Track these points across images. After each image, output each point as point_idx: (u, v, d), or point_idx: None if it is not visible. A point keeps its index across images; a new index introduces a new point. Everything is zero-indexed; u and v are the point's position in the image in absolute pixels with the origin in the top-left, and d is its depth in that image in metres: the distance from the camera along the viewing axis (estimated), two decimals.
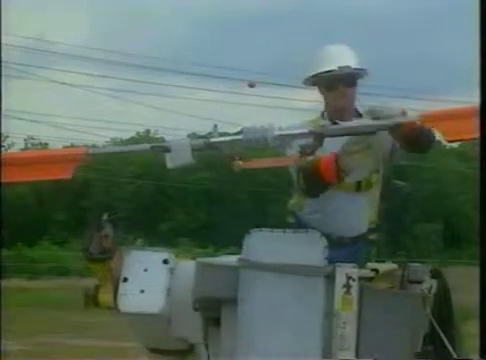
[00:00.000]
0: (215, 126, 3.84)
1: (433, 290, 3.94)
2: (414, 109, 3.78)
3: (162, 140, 4.55)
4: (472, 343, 3.96)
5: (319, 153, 3.69)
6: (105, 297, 4.26)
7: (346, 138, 3.70)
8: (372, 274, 3.84)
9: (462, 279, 6.05)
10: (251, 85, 5.68)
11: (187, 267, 4.06)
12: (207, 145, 3.73)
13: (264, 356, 3.67)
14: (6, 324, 9.42)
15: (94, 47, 73.30)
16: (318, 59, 3.93)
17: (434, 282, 4.00)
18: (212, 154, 3.84)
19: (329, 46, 3.98)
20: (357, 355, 3.63)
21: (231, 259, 3.91)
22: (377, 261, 4.05)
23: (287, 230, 3.80)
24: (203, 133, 3.91)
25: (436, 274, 4.05)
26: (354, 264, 3.67)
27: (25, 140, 41.75)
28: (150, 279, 4.14)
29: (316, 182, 3.71)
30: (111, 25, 65.34)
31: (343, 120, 3.75)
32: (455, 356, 3.79)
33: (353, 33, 44.88)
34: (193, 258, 4.21)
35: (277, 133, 3.69)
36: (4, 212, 14.77)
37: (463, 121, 3.49)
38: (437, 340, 3.86)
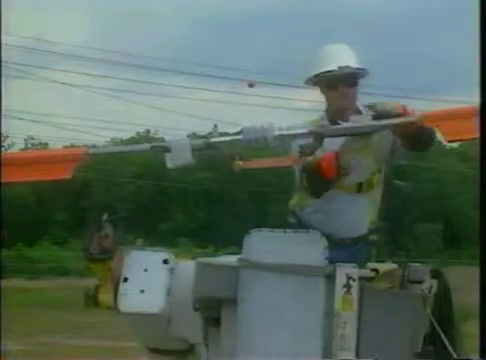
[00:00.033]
0: (215, 126, 3.84)
1: (433, 290, 3.94)
2: (414, 109, 3.77)
3: (162, 140, 4.56)
4: (472, 343, 3.96)
5: (319, 153, 3.70)
6: (105, 297, 4.26)
7: (346, 137, 3.71)
8: (372, 274, 3.84)
9: (462, 279, 6.05)
10: (251, 85, 5.68)
11: (187, 267, 4.07)
12: (207, 145, 3.73)
13: (264, 356, 3.67)
14: (6, 324, 9.43)
15: (94, 47, 73.33)
16: (319, 59, 3.93)
17: (434, 282, 4.00)
18: (212, 154, 3.84)
19: (330, 46, 3.98)
20: (357, 355, 3.63)
21: (231, 259, 3.91)
22: (377, 261, 4.05)
23: (287, 230, 3.80)
24: (203, 133, 3.91)
25: (436, 274, 4.05)
26: (354, 264, 3.67)
27: (25, 140, 41.77)
28: (150, 279, 4.14)
29: (318, 180, 3.71)
30: (111, 25, 65.33)
31: (344, 120, 3.75)
32: (455, 356, 3.79)
33: (353, 33, 44.86)
34: (193, 258, 4.21)
35: (277, 133, 3.70)
36: (4, 212, 14.78)
37: (463, 121, 3.50)
38: (437, 340, 3.86)
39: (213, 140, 3.74)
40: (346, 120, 3.72)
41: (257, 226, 3.80)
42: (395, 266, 4.02)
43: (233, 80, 41.07)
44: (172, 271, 4.17)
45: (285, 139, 3.77)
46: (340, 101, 3.93)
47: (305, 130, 3.74)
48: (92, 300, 4.34)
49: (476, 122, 3.39)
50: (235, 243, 4.22)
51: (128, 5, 63.20)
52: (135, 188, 39.73)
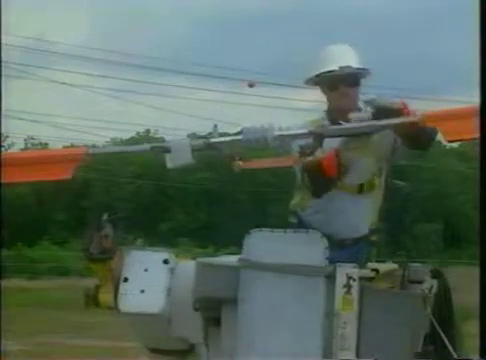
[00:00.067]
0: (215, 126, 3.84)
1: (433, 290, 3.94)
2: (414, 109, 3.77)
3: (162, 140, 4.56)
4: (472, 343, 3.96)
5: (319, 153, 3.69)
6: (105, 297, 4.26)
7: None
8: (372, 274, 3.84)
9: (462, 279, 6.05)
10: (251, 85, 5.68)
11: (187, 267, 4.07)
12: (207, 145, 3.73)
13: (264, 356, 3.66)
14: (6, 324, 9.43)
15: (94, 47, 73.32)
16: (320, 59, 3.93)
17: (434, 282, 4.00)
18: (212, 154, 3.84)
19: (331, 46, 3.98)
20: (357, 355, 3.62)
21: (231, 259, 3.91)
22: (377, 261, 4.05)
23: (288, 230, 3.79)
24: (203, 133, 3.91)
25: (436, 274, 4.05)
26: (355, 264, 3.67)
27: (25, 140, 41.79)
28: (150, 279, 4.14)
29: (319, 178, 3.70)
30: (111, 25, 65.40)
31: (346, 120, 3.74)
32: (455, 356, 3.79)
33: (353, 33, 44.87)
34: (193, 258, 4.21)
35: (277, 133, 3.70)
36: (4, 212, 14.77)
37: (463, 121, 3.49)
38: (437, 340, 3.86)
39: (213, 140, 3.74)
40: (347, 120, 3.72)
41: (257, 226, 3.79)
42: (395, 266, 4.02)
43: (233, 80, 41.12)
44: (172, 271, 4.17)
45: (285, 139, 3.77)
46: (341, 101, 3.93)
47: (305, 130, 3.74)
48: (92, 300, 4.34)
49: (476, 122, 3.38)
50: (235, 243, 4.22)
51: (128, 5, 63.31)
52: (135, 188, 39.73)
